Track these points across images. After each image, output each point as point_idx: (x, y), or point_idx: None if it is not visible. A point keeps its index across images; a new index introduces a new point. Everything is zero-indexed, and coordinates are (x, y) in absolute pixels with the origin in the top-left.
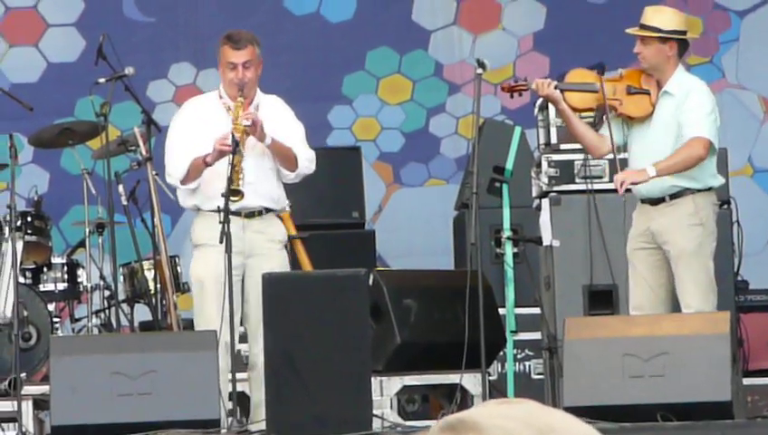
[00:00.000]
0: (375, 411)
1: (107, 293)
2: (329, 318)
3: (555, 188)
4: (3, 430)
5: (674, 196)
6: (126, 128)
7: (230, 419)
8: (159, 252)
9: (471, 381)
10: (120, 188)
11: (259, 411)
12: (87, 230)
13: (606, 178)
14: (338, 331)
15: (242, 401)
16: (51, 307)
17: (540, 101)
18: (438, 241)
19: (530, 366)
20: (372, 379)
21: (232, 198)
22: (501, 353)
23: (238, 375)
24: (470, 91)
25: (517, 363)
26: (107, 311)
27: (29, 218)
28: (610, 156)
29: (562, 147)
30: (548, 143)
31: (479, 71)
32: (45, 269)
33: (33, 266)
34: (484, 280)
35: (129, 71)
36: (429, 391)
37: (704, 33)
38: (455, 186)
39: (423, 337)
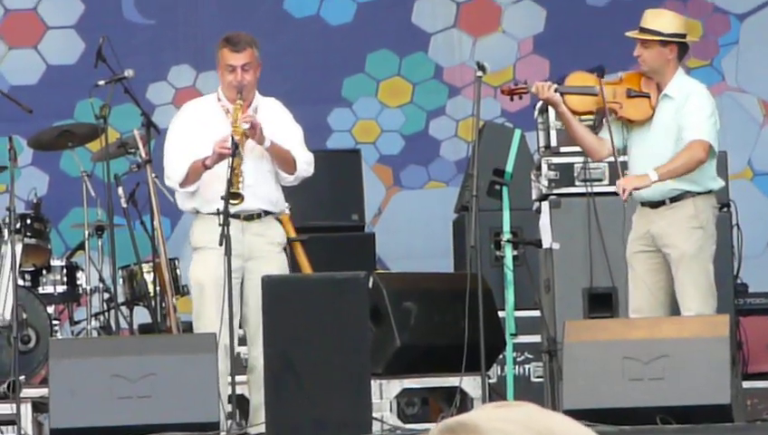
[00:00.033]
0: (374, 414)
1: (106, 295)
2: (328, 321)
3: (555, 191)
4: (2, 432)
5: (674, 199)
6: (125, 130)
7: (229, 422)
8: (159, 255)
9: (471, 384)
10: (120, 190)
11: (258, 414)
12: (86, 233)
13: (606, 182)
14: (337, 334)
15: (241, 403)
16: (50, 310)
17: (540, 103)
18: (438, 244)
19: (529, 369)
20: (372, 382)
21: (232, 202)
22: (500, 356)
23: (238, 378)
24: (470, 93)
25: (517, 366)
26: (106, 313)
27: (28, 221)
28: (610, 159)
29: (562, 150)
30: (548, 146)
31: (479, 73)
32: (44, 272)
33: (33, 269)
34: (484, 283)
35: (128, 73)
36: (429, 393)
37: (703, 36)
38: (454, 188)
39: (423, 340)
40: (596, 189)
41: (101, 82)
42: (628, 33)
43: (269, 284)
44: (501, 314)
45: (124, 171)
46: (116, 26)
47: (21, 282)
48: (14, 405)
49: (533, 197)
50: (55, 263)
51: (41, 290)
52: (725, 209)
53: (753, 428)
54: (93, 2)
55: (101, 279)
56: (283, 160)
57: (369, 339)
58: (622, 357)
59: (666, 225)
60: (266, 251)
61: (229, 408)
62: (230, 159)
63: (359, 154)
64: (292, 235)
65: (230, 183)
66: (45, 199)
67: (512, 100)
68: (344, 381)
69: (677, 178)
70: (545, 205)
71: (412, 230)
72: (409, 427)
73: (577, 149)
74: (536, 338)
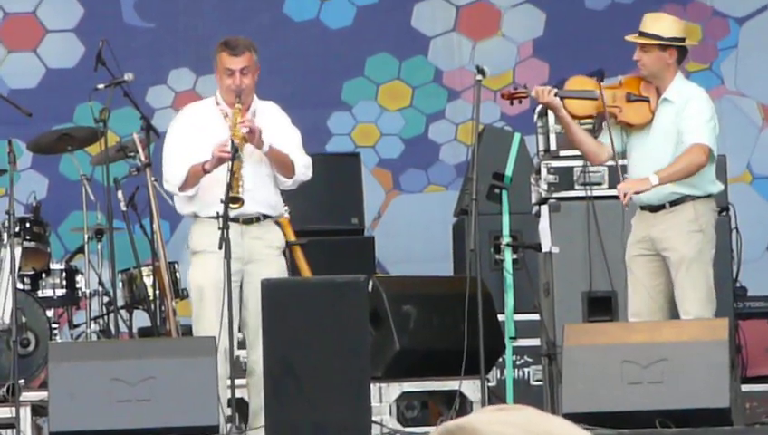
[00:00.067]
0: (374, 418)
1: (106, 299)
2: (328, 324)
3: (554, 195)
4: None
5: (674, 203)
6: (125, 134)
7: (229, 425)
8: (158, 258)
9: (470, 388)
10: (119, 194)
11: (258, 418)
12: (86, 236)
13: (605, 185)
14: (337, 337)
15: (241, 407)
16: (49, 313)
17: (539, 107)
18: (437, 247)
19: (529, 372)
20: (371, 385)
21: (232, 205)
22: (500, 360)
23: (237, 381)
24: (469, 97)
25: (516, 370)
26: (106, 317)
27: (28, 224)
28: (609, 163)
29: (562, 153)
30: (547, 150)
31: (479, 77)
32: (44, 275)
33: (32, 272)
34: (484, 286)
35: (128, 76)
36: (428, 397)
37: (703, 39)
38: (454, 192)
39: (422, 343)
40: (595, 193)
41: (101, 86)
42: (627, 37)
43: (268, 287)
44: (500, 317)
45: (124, 175)
46: (116, 30)
47: (20, 285)
48: (14, 408)
49: (533, 200)
50: (55, 266)
51: (40, 293)
52: (725, 213)
53: (752, 431)
54: (93, 5)
55: (101, 283)
56: (282, 164)
57: (369, 342)
58: (621, 361)
59: (665, 228)
60: (265, 255)
61: (229, 411)
62: (230, 162)
63: (358, 158)
64: (292, 238)
65: (230, 187)
66: (45, 203)
67: (511, 104)
68: (344, 385)
69: (677, 181)
70: (545, 208)
71: (412, 234)
72: (409, 430)
73: (576, 152)
74: (536, 341)
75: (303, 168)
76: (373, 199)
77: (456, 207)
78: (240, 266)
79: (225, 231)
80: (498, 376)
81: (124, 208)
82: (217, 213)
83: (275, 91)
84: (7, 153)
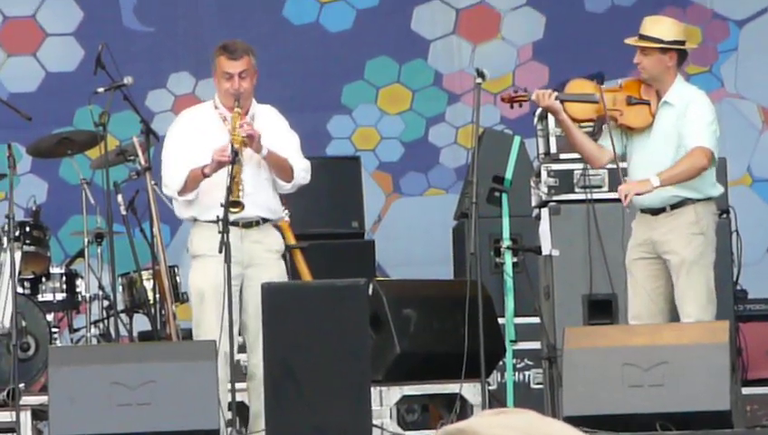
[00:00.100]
0: (374, 421)
1: (106, 303)
2: (328, 328)
3: (554, 198)
4: None
5: (675, 206)
6: (125, 137)
7: (229, 429)
8: (158, 262)
9: (470, 391)
10: (119, 197)
11: (258, 421)
12: (86, 240)
13: (605, 188)
14: (337, 341)
15: (241, 411)
16: (49, 317)
17: (539, 110)
18: (438, 251)
19: (529, 376)
20: (372, 389)
21: (232, 210)
22: (500, 363)
23: (237, 385)
24: (469, 100)
25: (517, 373)
26: (106, 321)
27: (27, 228)
28: (610, 166)
29: (562, 156)
30: (547, 153)
31: (478, 80)
32: (44, 279)
33: (32, 277)
34: (484, 290)
35: (127, 80)
36: (429, 400)
37: (703, 42)
38: (454, 195)
39: (422, 347)
40: (595, 196)
41: (101, 90)
42: (627, 41)
43: (269, 291)
44: (501, 320)
45: (123, 179)
46: (115, 33)
47: (20, 289)
48: (14, 413)
49: (533, 203)
50: (55, 270)
51: (40, 298)
52: (725, 216)
53: (753, 434)
54: (93, 9)
55: (101, 286)
56: (281, 168)
57: (369, 346)
58: (622, 364)
59: (666, 231)
60: (265, 258)
61: (229, 415)
62: (230, 166)
63: (358, 161)
64: (292, 242)
65: (230, 191)
66: (44, 207)
67: (512, 107)
68: (344, 388)
69: (678, 184)
70: (545, 212)
71: (412, 237)
72: (409, 434)
73: (576, 155)
74: (536, 345)
75: (302, 171)
76: (373, 203)
77: (457, 210)
78: (240, 270)
79: (225, 235)
80: (499, 379)
81: (124, 212)
82: (217, 217)
83: (275, 95)
84: (7, 157)
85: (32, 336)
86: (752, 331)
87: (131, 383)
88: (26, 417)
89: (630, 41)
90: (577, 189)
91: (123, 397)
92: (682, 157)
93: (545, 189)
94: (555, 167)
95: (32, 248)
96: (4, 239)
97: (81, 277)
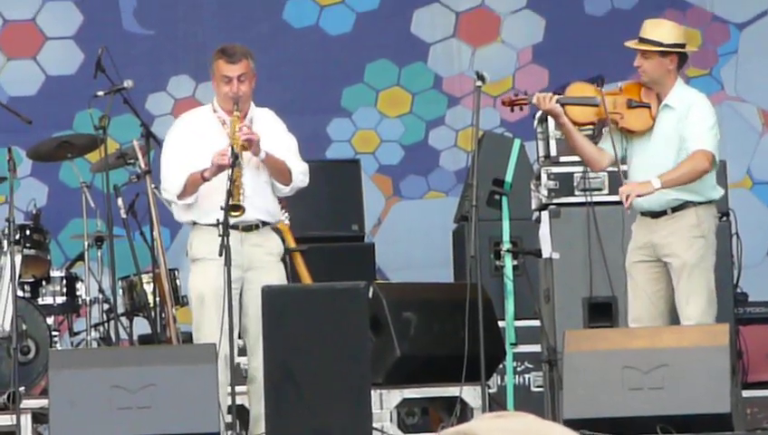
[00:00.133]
0: (375, 424)
1: (106, 306)
2: (328, 331)
3: (554, 201)
4: None
5: (676, 209)
6: (125, 141)
7: (229, 432)
8: (159, 265)
9: (471, 394)
10: (119, 201)
11: (258, 425)
12: (86, 243)
13: (605, 191)
14: (337, 344)
15: (241, 414)
16: (49, 321)
17: (539, 113)
18: (438, 254)
19: (529, 379)
20: (372, 392)
21: (232, 213)
22: (500, 366)
23: (238, 388)
24: (469, 103)
25: (517, 376)
26: (106, 324)
27: (28, 232)
28: (610, 169)
29: (562, 159)
30: (547, 156)
31: (478, 83)
32: (44, 283)
33: (32, 280)
34: (484, 293)
35: (127, 84)
36: (429, 403)
37: (703, 45)
38: (454, 198)
39: (423, 350)
40: (596, 199)
41: (101, 93)
42: (627, 44)
43: (269, 294)
44: (501, 323)
45: (123, 182)
46: (115, 37)
47: (20, 293)
48: (14, 416)
49: (533, 206)
50: (55, 274)
51: (40, 301)
52: (725, 218)
53: None
54: (92, 12)
55: (101, 290)
56: (279, 171)
57: (369, 349)
58: (622, 366)
59: (667, 234)
60: (265, 262)
61: (229, 418)
62: (230, 170)
63: (358, 164)
64: (292, 245)
65: (230, 194)
66: (45, 210)
67: (512, 110)
68: (344, 392)
69: (679, 187)
70: (545, 214)
71: (412, 240)
72: None
73: (576, 158)
74: (536, 348)
75: (300, 174)
76: (373, 206)
77: (457, 213)
78: (240, 274)
79: (225, 238)
80: (499, 382)
81: (124, 216)
82: (217, 220)
83: (275, 98)
84: (7, 161)
85: (32, 340)
86: (752, 334)
87: (132, 387)
88: (27, 420)
89: (630, 44)
90: (577, 192)
91: (123, 400)
92: (683, 160)
93: (545, 192)
94: (555, 170)
95: (32, 252)
96: (5, 243)
97: (82, 281)
